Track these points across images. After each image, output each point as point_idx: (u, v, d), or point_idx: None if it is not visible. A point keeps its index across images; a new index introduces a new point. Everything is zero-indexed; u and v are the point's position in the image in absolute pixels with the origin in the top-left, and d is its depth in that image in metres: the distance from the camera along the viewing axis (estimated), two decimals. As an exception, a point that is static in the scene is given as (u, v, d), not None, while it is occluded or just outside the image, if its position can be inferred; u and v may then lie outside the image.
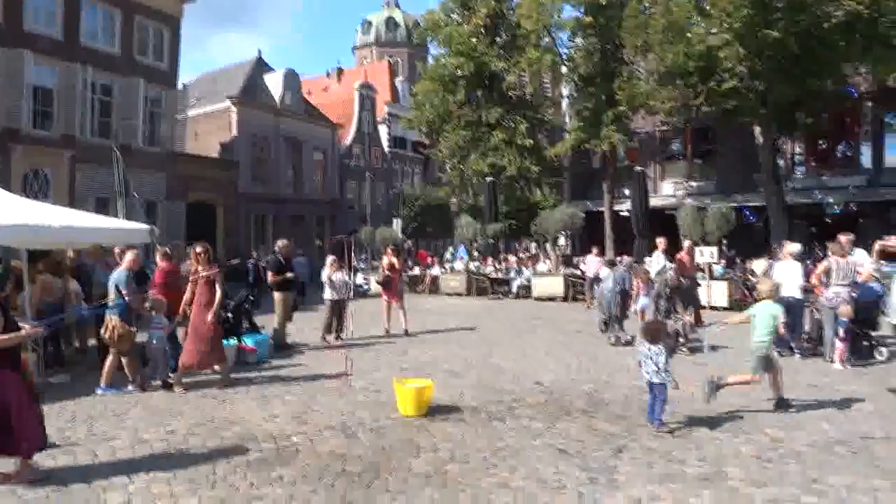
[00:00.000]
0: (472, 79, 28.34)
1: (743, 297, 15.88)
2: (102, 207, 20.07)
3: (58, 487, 4.62)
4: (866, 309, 9.16)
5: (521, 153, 27.46)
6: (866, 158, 23.27)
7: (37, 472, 4.82)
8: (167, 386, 7.82)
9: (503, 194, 27.55)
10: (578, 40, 25.27)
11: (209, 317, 7.86)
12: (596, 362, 9.48)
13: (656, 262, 12.98)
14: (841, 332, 8.88)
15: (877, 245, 10.14)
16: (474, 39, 27.83)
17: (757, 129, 20.38)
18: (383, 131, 45.00)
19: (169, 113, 26.35)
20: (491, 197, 24.42)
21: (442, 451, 5.48)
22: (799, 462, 5.11)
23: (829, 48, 17.25)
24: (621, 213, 25.07)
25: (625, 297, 11.29)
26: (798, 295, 9.47)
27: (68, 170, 21.46)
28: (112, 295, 7.72)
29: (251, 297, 11.72)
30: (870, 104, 22.31)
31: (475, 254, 24.98)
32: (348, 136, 41.45)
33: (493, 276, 21.88)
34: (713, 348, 10.13)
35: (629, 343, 10.48)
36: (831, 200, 22.85)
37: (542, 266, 21.76)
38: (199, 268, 8.10)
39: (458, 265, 23.43)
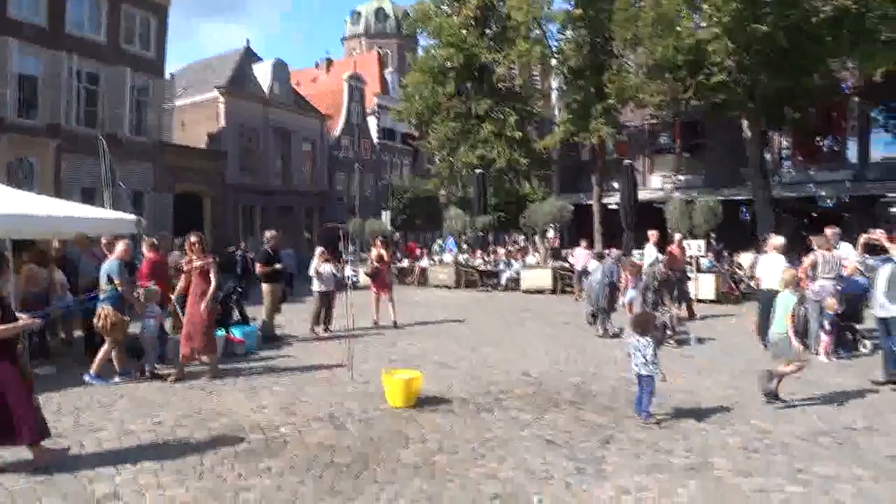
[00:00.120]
0: (462, 70, 28.21)
1: (730, 290, 16.04)
2: (89, 198, 19.82)
3: (44, 479, 4.59)
4: (851, 302, 9.26)
5: (511, 145, 27.43)
6: (852, 153, 23.47)
7: (56, 453, 4.94)
8: (155, 377, 7.78)
9: (492, 186, 27.55)
10: (568, 33, 25.24)
11: (202, 307, 7.82)
12: (584, 354, 9.53)
13: (648, 255, 13.06)
14: (826, 324, 8.99)
15: (862, 238, 10.24)
16: (464, 31, 27.71)
17: (745, 124, 20.49)
18: (372, 123, 44.75)
19: (156, 102, 26.11)
20: (480, 189, 24.38)
21: (430, 441, 5.49)
22: (785, 452, 5.17)
23: (817, 43, 17.38)
24: (610, 207, 25.14)
25: (613, 289, 11.34)
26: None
27: (54, 159, 21.19)
28: (104, 285, 7.66)
29: (239, 289, 11.71)
30: (856, 99, 22.48)
31: (464, 246, 24.96)
32: (337, 128, 41.19)
33: (482, 268, 21.89)
34: (700, 340, 10.25)
35: (617, 335, 10.56)
36: (823, 193, 23.04)
37: (531, 259, 21.82)
38: (194, 258, 8.04)
39: (447, 257, 23.42)
